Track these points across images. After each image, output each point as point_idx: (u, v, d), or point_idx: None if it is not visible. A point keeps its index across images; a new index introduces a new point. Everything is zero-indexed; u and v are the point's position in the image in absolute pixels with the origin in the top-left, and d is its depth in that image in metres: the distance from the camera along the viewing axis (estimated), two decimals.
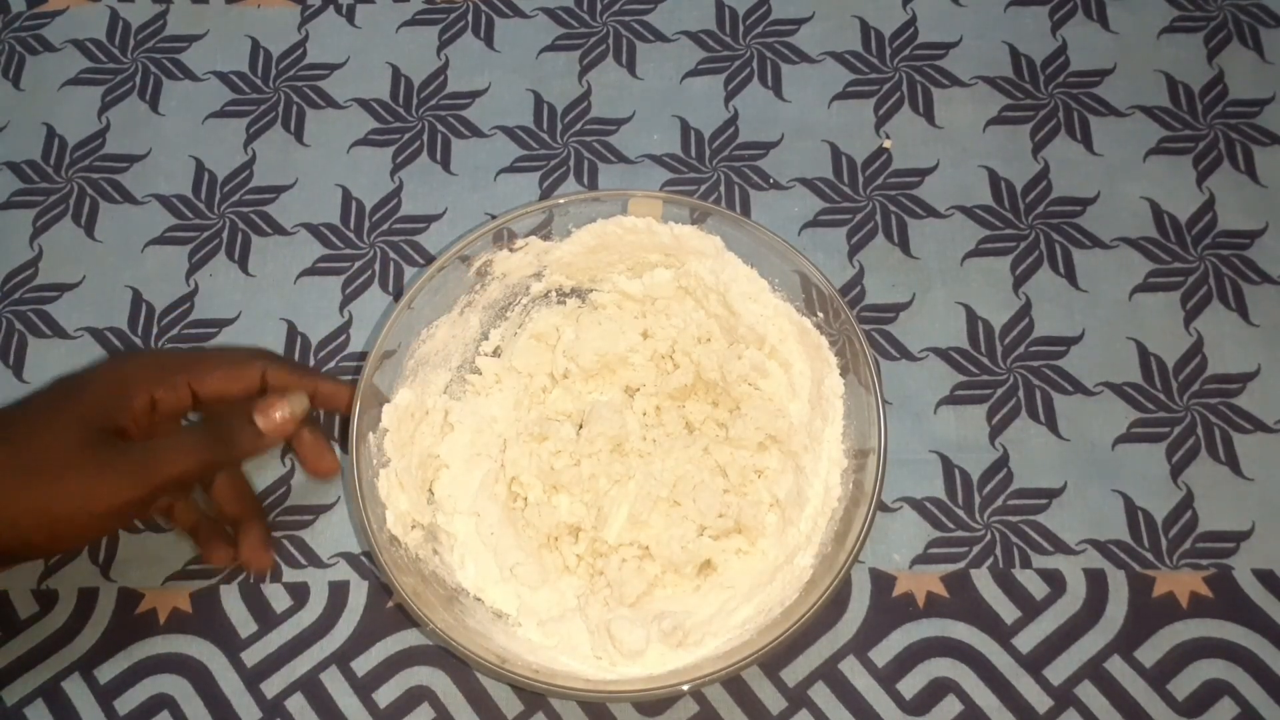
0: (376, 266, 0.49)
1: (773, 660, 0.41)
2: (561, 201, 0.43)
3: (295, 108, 0.52)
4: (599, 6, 0.54)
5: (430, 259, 0.49)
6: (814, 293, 0.42)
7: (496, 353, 0.45)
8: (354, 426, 0.39)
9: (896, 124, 0.51)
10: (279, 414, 0.40)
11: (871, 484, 0.38)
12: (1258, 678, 0.40)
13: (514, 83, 0.53)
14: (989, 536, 0.43)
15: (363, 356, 0.46)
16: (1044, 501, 0.43)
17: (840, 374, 0.42)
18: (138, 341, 0.47)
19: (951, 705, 0.40)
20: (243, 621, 0.42)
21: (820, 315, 0.42)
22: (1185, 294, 0.47)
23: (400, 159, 0.51)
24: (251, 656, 0.42)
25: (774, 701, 0.40)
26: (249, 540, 0.42)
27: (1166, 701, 0.40)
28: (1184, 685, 0.40)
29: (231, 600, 0.42)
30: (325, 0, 0.55)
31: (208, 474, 0.41)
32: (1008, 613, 0.41)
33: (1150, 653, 0.41)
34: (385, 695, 0.41)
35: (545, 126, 0.52)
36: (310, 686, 0.41)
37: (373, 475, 0.40)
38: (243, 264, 0.49)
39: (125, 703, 0.41)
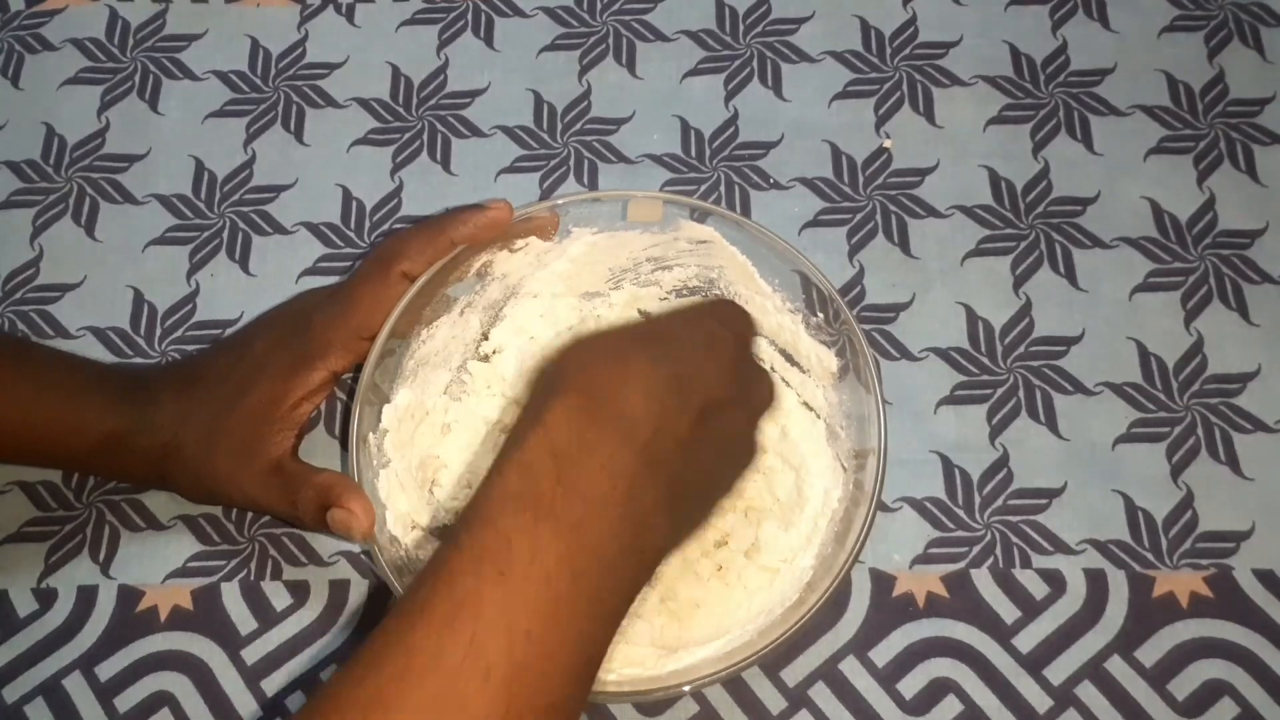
0: None
1: (773, 660, 0.41)
2: (560, 202, 0.43)
3: (295, 107, 0.52)
4: (599, 6, 0.54)
5: None
6: (814, 293, 0.42)
7: (496, 353, 0.45)
8: (354, 427, 0.39)
9: (897, 123, 0.51)
10: (343, 528, 0.38)
11: (872, 484, 0.38)
12: (1258, 678, 0.40)
13: (514, 82, 0.53)
14: (989, 536, 0.43)
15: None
16: (1044, 501, 0.43)
17: (840, 375, 0.42)
18: (140, 342, 0.47)
19: (952, 705, 0.40)
20: (243, 619, 0.42)
21: (820, 316, 0.42)
22: (1185, 294, 0.47)
23: (400, 158, 0.51)
24: (252, 654, 0.42)
25: (774, 701, 0.40)
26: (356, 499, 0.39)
27: (1167, 701, 0.40)
28: (1184, 685, 0.40)
29: (232, 598, 0.42)
30: None
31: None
32: (1008, 613, 0.41)
33: (1150, 653, 0.41)
34: None
35: (545, 126, 0.52)
36: (311, 684, 0.41)
37: (373, 476, 0.40)
38: (244, 264, 0.49)
39: (125, 700, 0.41)
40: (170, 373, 0.42)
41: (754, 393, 0.35)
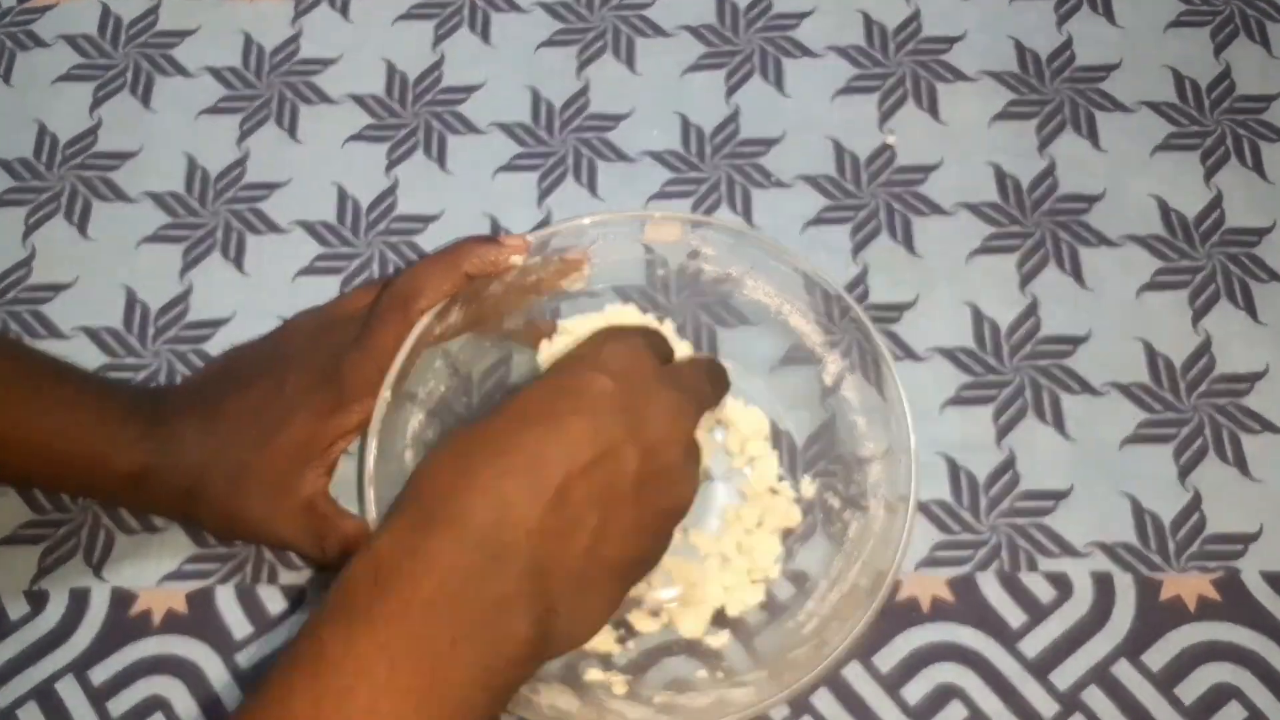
0: (375, 266, 0.48)
1: None
2: (564, 228, 0.42)
3: (289, 104, 0.52)
4: (597, 1, 0.54)
5: None
6: (818, 293, 0.42)
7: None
8: (367, 468, 0.38)
9: (900, 120, 0.50)
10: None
11: (906, 486, 0.38)
12: (1266, 681, 0.40)
13: (511, 78, 0.52)
14: (995, 539, 0.42)
15: None
16: (1050, 504, 0.43)
17: (846, 373, 0.42)
18: (133, 342, 0.47)
19: (957, 711, 0.40)
20: (238, 623, 0.42)
21: (826, 318, 0.42)
22: (1193, 292, 0.46)
23: (395, 155, 0.51)
24: (246, 658, 0.41)
25: (777, 709, 0.40)
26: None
27: (1174, 706, 0.39)
28: (1192, 689, 0.40)
29: (227, 602, 0.42)
30: None
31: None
32: (1014, 617, 0.41)
33: (1157, 656, 0.40)
34: None
35: (543, 123, 0.51)
36: None
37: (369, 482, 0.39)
38: (238, 262, 0.48)
39: (119, 704, 0.40)
40: (194, 408, 0.41)
41: (661, 445, 0.33)
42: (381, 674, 0.28)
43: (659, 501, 0.33)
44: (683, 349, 0.40)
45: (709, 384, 0.37)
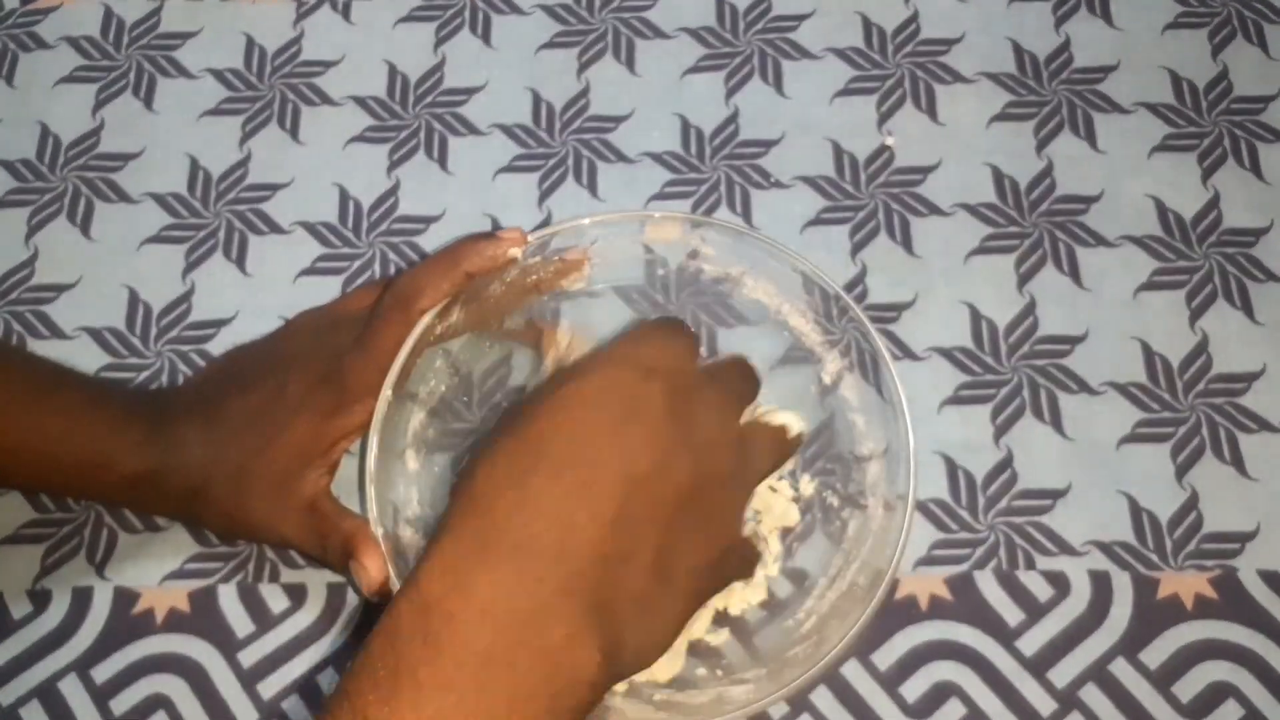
0: (376, 267, 0.48)
1: None
2: (566, 227, 0.42)
3: (290, 105, 0.52)
4: (598, 3, 0.54)
5: None
6: (816, 293, 0.42)
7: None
8: (369, 466, 0.38)
9: (899, 121, 0.51)
10: (357, 581, 0.38)
11: (905, 486, 0.38)
12: (1263, 679, 0.40)
13: (512, 80, 0.52)
14: (993, 538, 0.43)
15: None
16: (1048, 502, 0.43)
17: (845, 372, 0.42)
18: (136, 342, 0.47)
19: (955, 709, 0.40)
20: (240, 622, 0.42)
21: (825, 318, 0.42)
22: (1190, 292, 0.46)
23: (397, 157, 0.51)
24: (249, 657, 0.41)
25: (776, 706, 0.40)
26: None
27: (1171, 704, 0.40)
28: (1189, 687, 0.40)
29: (229, 600, 0.42)
30: None
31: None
32: (1011, 615, 0.41)
33: (1155, 655, 0.40)
34: None
35: (543, 124, 0.51)
36: (307, 688, 0.41)
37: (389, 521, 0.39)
38: (240, 263, 0.49)
39: (121, 703, 0.41)
40: (196, 410, 0.41)
41: (711, 448, 0.31)
42: None
43: (716, 507, 0.32)
44: None
45: (743, 380, 0.35)
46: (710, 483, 0.31)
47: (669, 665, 0.39)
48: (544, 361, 0.39)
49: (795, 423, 0.36)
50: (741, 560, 0.35)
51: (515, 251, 0.39)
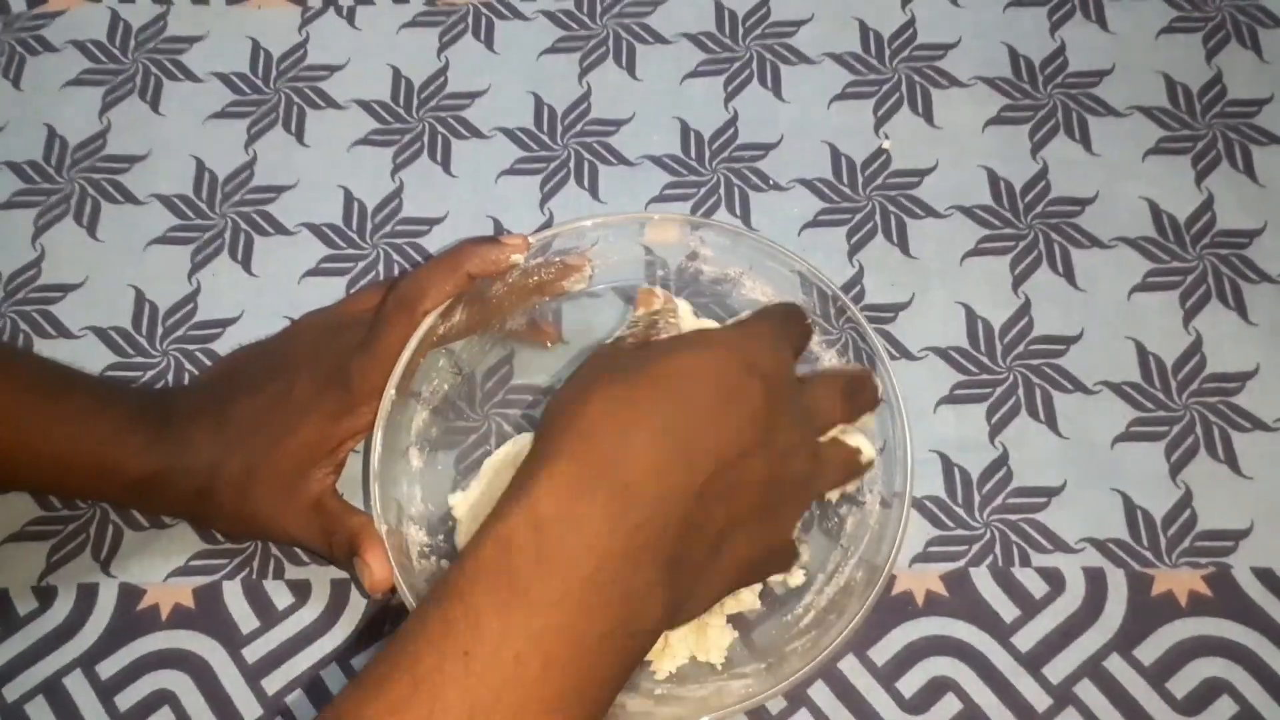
0: (380, 268, 0.49)
1: None
2: (567, 228, 0.42)
3: (296, 108, 0.52)
4: (599, 9, 0.54)
5: None
6: (814, 293, 0.42)
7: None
8: (373, 465, 0.39)
9: (896, 124, 0.51)
10: (361, 579, 0.38)
11: (903, 485, 0.38)
12: (1256, 676, 0.40)
13: (514, 84, 0.53)
14: (988, 535, 0.43)
15: None
16: (1043, 500, 0.43)
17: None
18: (142, 342, 0.47)
19: (951, 704, 0.40)
20: (244, 618, 0.42)
21: (823, 318, 0.42)
22: (1184, 293, 0.47)
23: (401, 160, 0.51)
24: (253, 653, 0.42)
25: (774, 701, 0.40)
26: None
27: (1165, 700, 0.40)
28: (1183, 684, 0.40)
29: (234, 596, 0.43)
30: (326, 2, 0.55)
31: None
32: (1007, 611, 0.41)
33: (1149, 651, 0.41)
34: None
35: (545, 128, 0.52)
36: (311, 684, 0.41)
37: (395, 517, 0.40)
38: (245, 264, 0.49)
39: (126, 699, 0.41)
40: (203, 412, 0.41)
41: (788, 454, 0.32)
42: (534, 671, 0.26)
43: (774, 511, 0.33)
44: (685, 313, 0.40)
45: (844, 399, 0.36)
46: (780, 485, 0.33)
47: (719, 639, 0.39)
48: (635, 311, 0.39)
49: (868, 448, 0.37)
50: (782, 560, 0.36)
51: (518, 257, 0.40)
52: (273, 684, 0.41)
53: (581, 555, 0.28)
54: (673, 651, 0.39)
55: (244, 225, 0.50)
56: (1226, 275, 0.47)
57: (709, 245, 0.43)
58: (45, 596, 0.43)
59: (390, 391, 0.39)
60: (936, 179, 0.50)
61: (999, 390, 0.45)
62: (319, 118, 0.52)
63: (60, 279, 0.49)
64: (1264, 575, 0.42)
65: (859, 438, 0.37)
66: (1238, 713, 0.40)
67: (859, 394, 0.37)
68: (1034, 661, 0.41)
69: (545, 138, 0.52)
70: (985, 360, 0.46)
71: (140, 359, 0.47)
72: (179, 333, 0.48)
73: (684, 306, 0.39)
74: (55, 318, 0.48)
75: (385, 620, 0.42)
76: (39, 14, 0.55)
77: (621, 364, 0.32)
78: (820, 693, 0.40)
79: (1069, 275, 0.47)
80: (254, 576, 0.43)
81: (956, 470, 0.44)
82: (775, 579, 0.40)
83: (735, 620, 0.40)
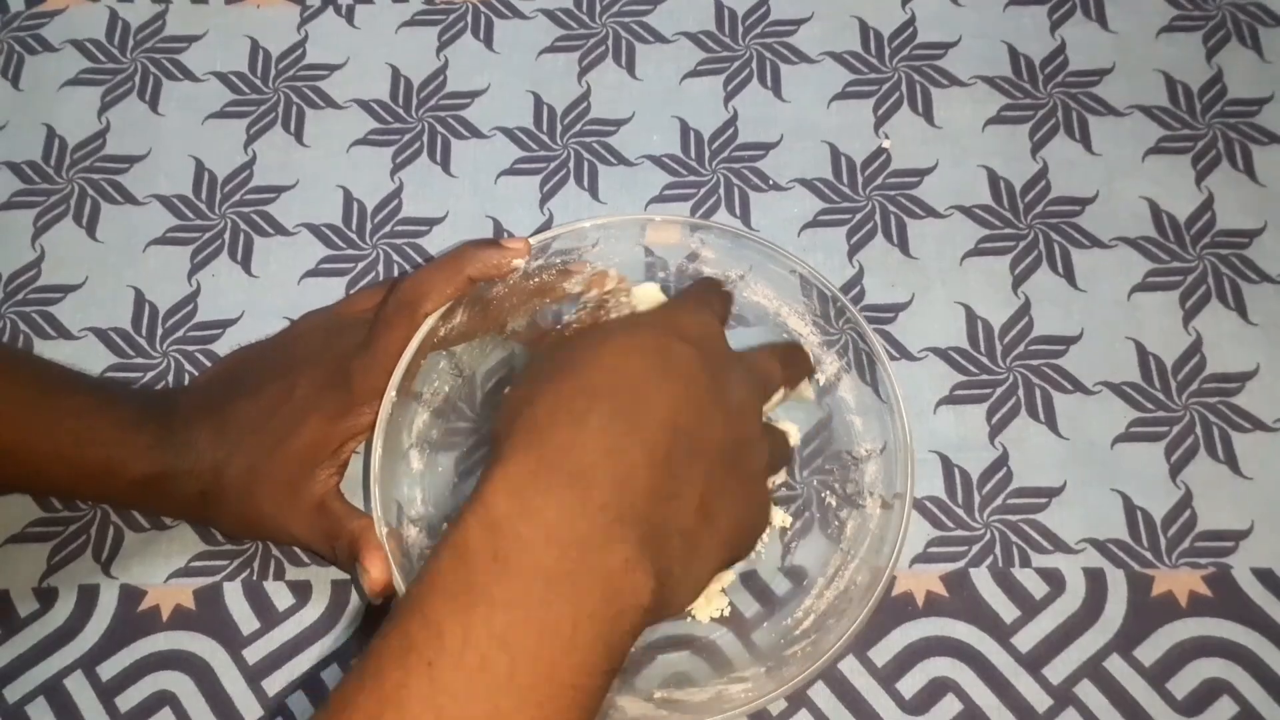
0: (380, 268, 0.49)
1: None
2: (567, 231, 0.42)
3: (295, 108, 0.52)
4: (598, 8, 0.54)
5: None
6: (814, 294, 0.42)
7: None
8: (374, 467, 0.39)
9: (895, 124, 0.51)
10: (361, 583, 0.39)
11: (904, 485, 0.39)
12: (1257, 676, 0.40)
13: (513, 84, 0.53)
14: (988, 535, 0.43)
15: None
16: (1043, 500, 0.43)
17: (842, 373, 0.42)
18: (142, 343, 0.47)
19: (951, 704, 0.40)
20: (245, 619, 0.42)
21: (823, 319, 0.42)
22: (1184, 293, 0.47)
23: (400, 159, 0.51)
24: (254, 654, 0.42)
25: (775, 703, 0.40)
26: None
27: (1166, 700, 0.40)
28: (1183, 684, 0.40)
29: (234, 598, 0.43)
30: (324, 1, 0.55)
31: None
32: (1007, 612, 0.42)
33: (1149, 651, 0.41)
34: None
35: (545, 128, 0.52)
36: (312, 684, 0.41)
37: (394, 517, 0.40)
38: (245, 264, 0.49)
39: (127, 700, 0.41)
40: (205, 413, 0.41)
41: (745, 410, 0.34)
42: (502, 670, 0.26)
43: (746, 467, 0.34)
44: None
45: (781, 366, 0.38)
46: (742, 445, 0.34)
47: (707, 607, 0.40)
48: (589, 292, 0.41)
49: (794, 434, 0.40)
50: (764, 515, 0.36)
51: (519, 262, 0.40)
52: (273, 685, 0.41)
53: (541, 547, 0.28)
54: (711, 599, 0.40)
55: (244, 225, 0.50)
56: (1226, 275, 0.47)
57: (709, 246, 0.43)
58: (46, 598, 0.43)
59: (391, 393, 0.39)
60: (936, 179, 0.50)
61: (999, 391, 0.45)
62: (318, 117, 0.52)
63: (60, 280, 0.49)
64: (1264, 576, 0.42)
65: (786, 424, 0.41)
66: (1238, 713, 0.40)
67: (794, 361, 0.39)
68: (1034, 662, 0.41)
69: (545, 137, 0.51)
70: (985, 361, 0.46)
71: (140, 360, 0.47)
72: (179, 333, 0.48)
73: (651, 288, 0.40)
74: (55, 319, 0.48)
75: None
76: (37, 13, 0.55)
77: (563, 357, 0.33)
78: (820, 693, 0.40)
79: (1069, 275, 0.47)
80: (254, 577, 0.43)
81: (956, 471, 0.44)
82: (774, 578, 0.40)
83: (736, 624, 0.40)
